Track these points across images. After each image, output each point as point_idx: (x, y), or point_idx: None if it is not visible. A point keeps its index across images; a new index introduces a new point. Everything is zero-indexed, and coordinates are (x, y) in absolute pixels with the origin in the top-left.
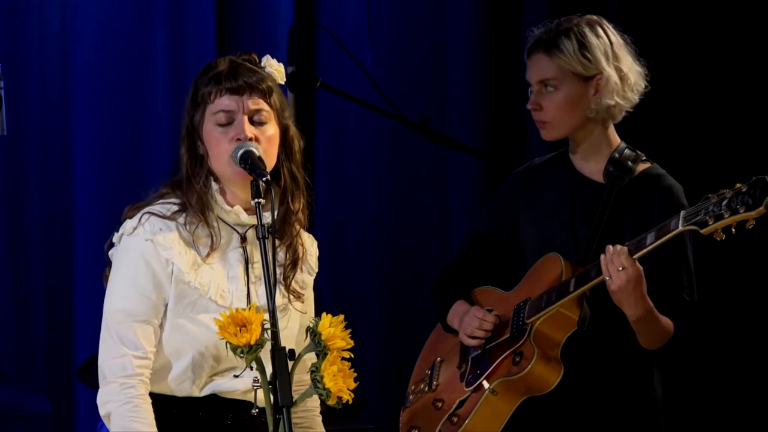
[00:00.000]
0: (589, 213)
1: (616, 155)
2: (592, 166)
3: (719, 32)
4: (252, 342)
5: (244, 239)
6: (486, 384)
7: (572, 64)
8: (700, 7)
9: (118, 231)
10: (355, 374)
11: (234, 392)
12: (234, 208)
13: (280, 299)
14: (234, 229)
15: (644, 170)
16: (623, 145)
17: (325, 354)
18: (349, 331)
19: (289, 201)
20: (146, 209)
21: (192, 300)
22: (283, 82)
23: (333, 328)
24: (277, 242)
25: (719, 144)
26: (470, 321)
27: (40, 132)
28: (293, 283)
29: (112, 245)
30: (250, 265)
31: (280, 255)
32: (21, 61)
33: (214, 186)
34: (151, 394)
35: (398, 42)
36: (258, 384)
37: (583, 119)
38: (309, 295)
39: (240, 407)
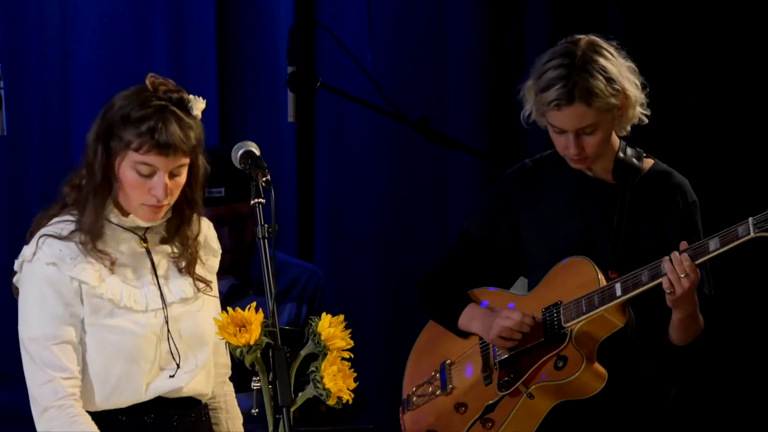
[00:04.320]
0: (605, 214)
1: (621, 155)
2: (598, 167)
3: (719, 32)
4: (251, 342)
5: (144, 240)
6: (523, 388)
7: (608, 102)
8: (701, 7)
9: (18, 258)
10: (355, 374)
11: (177, 391)
12: (129, 217)
13: (191, 292)
14: (133, 233)
15: (652, 168)
16: (623, 143)
17: (325, 354)
18: (349, 331)
19: (185, 222)
20: (42, 232)
21: (108, 311)
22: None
23: (333, 328)
24: (174, 248)
25: (718, 142)
26: (505, 322)
27: (40, 132)
28: (198, 272)
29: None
30: (156, 265)
31: (178, 259)
32: (21, 61)
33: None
34: (98, 413)
35: (398, 42)
36: (258, 384)
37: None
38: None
39: (186, 406)
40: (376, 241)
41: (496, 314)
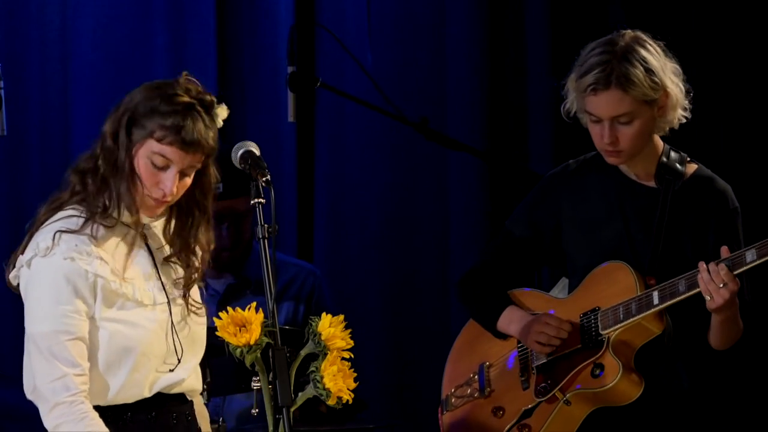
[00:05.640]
0: (645, 218)
1: (665, 159)
2: (640, 170)
3: (722, 31)
4: (252, 342)
5: (143, 237)
6: (560, 395)
7: (645, 93)
8: (703, 5)
9: (24, 252)
10: (355, 374)
11: (177, 385)
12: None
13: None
14: (132, 228)
15: (695, 173)
16: (667, 146)
17: (325, 354)
18: (349, 331)
19: (195, 229)
20: (56, 228)
21: (120, 305)
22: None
23: (333, 328)
24: (173, 256)
25: (718, 141)
26: (544, 328)
27: (40, 132)
28: (191, 297)
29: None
30: (156, 260)
31: (178, 270)
32: (21, 61)
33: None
34: (105, 410)
35: (398, 42)
36: (258, 384)
37: (650, 138)
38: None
39: (181, 402)
40: (376, 240)
41: (535, 319)
